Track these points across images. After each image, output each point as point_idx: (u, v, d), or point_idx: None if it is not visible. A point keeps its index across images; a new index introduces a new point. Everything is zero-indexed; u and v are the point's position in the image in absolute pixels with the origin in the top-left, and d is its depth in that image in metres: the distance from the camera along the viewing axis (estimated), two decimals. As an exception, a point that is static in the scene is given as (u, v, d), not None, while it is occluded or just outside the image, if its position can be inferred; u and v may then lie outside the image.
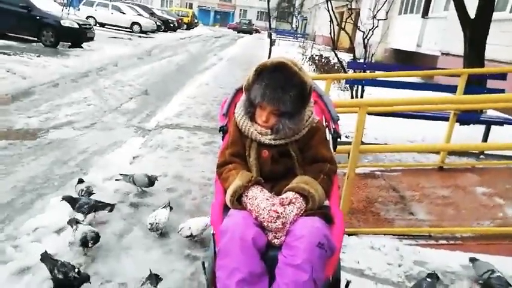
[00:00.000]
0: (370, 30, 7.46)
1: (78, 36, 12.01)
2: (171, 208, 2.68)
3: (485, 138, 4.60)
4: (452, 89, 4.38)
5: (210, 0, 59.69)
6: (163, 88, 8.26)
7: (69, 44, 11.92)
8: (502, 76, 4.79)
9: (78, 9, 20.80)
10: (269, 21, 15.36)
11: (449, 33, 9.49)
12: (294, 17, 45.06)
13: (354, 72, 6.72)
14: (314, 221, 1.53)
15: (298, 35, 32.09)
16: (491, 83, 5.16)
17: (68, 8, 14.25)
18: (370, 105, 2.91)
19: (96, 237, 2.30)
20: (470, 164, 4.31)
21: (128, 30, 21.38)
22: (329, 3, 8.03)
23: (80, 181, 2.96)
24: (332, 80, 5.63)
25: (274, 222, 1.52)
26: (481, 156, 4.53)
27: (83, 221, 2.56)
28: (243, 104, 1.77)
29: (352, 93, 6.76)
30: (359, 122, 2.59)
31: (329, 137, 1.86)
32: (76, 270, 1.97)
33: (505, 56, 7.60)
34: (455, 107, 3.75)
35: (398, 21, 15.08)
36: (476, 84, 5.15)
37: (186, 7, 51.10)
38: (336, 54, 8.11)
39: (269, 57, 9.84)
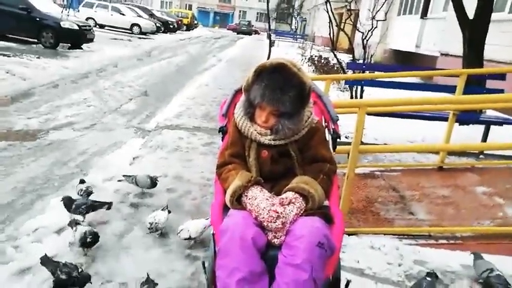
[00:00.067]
0: (369, 31, 7.48)
1: (78, 38, 12.03)
2: (169, 211, 2.68)
3: (484, 138, 4.61)
4: (451, 89, 4.39)
5: (209, 1, 59.77)
6: (163, 89, 8.27)
7: (69, 45, 11.93)
8: (501, 76, 4.81)
9: (78, 11, 20.84)
10: (268, 23, 15.37)
11: (448, 33, 9.51)
12: (294, 18, 45.15)
13: (353, 72, 6.73)
14: (314, 220, 1.53)
15: (298, 36, 32.15)
16: (490, 83, 5.17)
17: (67, 9, 14.28)
18: (369, 105, 2.92)
19: (96, 237, 2.31)
20: (470, 163, 4.32)
21: (128, 31, 21.38)
22: (328, 4, 8.05)
23: (82, 181, 2.97)
24: (331, 80, 5.64)
25: (274, 222, 1.53)
26: (481, 156, 4.54)
27: (83, 221, 2.57)
28: (243, 105, 1.78)
29: (351, 93, 6.77)
30: (358, 123, 2.59)
31: (328, 137, 1.87)
32: (79, 270, 1.99)
33: (504, 56, 7.61)
34: (455, 107, 3.76)
35: (397, 22, 15.11)
36: (475, 85, 5.17)
37: (186, 8, 51.21)
38: (335, 55, 8.13)
39: (268, 58, 9.86)
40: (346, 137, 4.63)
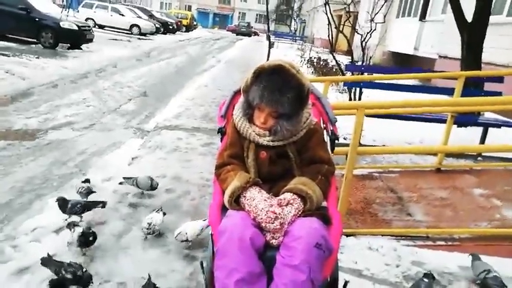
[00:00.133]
0: (368, 33, 7.50)
1: (77, 38, 12.02)
2: (164, 213, 2.68)
3: (482, 140, 4.63)
4: (449, 91, 4.41)
5: (209, 2, 59.82)
6: (162, 90, 8.27)
7: (68, 45, 11.92)
8: (499, 79, 4.83)
9: (78, 11, 20.83)
10: (268, 24, 15.40)
11: (447, 36, 9.54)
12: (293, 20, 45.19)
13: (352, 74, 6.76)
14: (312, 221, 1.54)
15: (297, 38, 32.19)
16: (488, 86, 5.20)
17: (67, 9, 14.27)
18: (367, 107, 2.93)
19: (94, 237, 2.31)
20: (467, 165, 4.34)
21: (127, 32, 21.38)
22: (327, 6, 8.07)
23: (86, 181, 3.00)
24: (330, 82, 5.65)
25: (272, 223, 1.53)
26: (479, 158, 4.55)
27: (80, 221, 2.57)
28: (241, 106, 1.79)
29: (350, 95, 6.79)
30: (357, 124, 2.61)
31: (327, 138, 1.88)
32: (84, 269, 2.00)
33: (502, 59, 7.64)
34: (453, 109, 3.78)
35: (396, 24, 15.14)
36: (473, 87, 5.19)
37: (185, 9, 51.21)
38: (334, 57, 8.14)
39: (268, 59, 9.87)
40: (344, 139, 4.64)
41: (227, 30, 47.94)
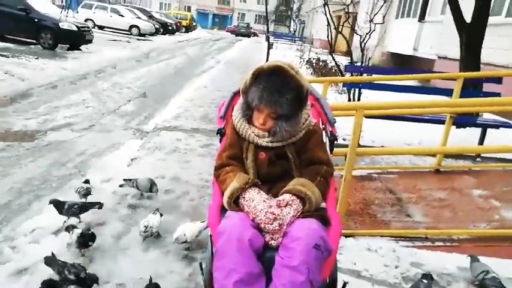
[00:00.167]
0: (367, 34, 7.51)
1: (77, 39, 12.02)
2: (161, 214, 2.68)
3: (481, 141, 4.63)
4: (448, 92, 4.41)
5: (208, 3, 59.84)
6: (161, 91, 8.27)
7: (68, 46, 11.92)
8: (498, 80, 4.84)
9: (77, 12, 20.82)
10: (267, 25, 15.42)
11: (446, 37, 9.55)
12: (292, 21, 45.22)
13: (351, 75, 6.76)
14: (311, 222, 1.54)
15: (296, 39, 32.20)
16: (487, 87, 5.20)
17: (66, 10, 14.26)
18: (366, 108, 2.93)
19: (93, 238, 2.32)
20: (466, 166, 4.35)
21: (127, 33, 21.38)
22: (326, 7, 8.08)
23: (86, 181, 3.01)
24: (329, 83, 5.64)
25: (271, 224, 1.53)
26: (478, 159, 4.56)
27: (79, 221, 2.57)
28: (241, 107, 1.79)
29: (349, 96, 6.79)
30: (356, 125, 2.61)
31: (326, 139, 1.88)
32: (87, 271, 2.00)
33: (501, 60, 7.65)
34: (452, 110, 3.78)
35: (395, 25, 15.16)
36: (472, 88, 5.20)
37: (185, 10, 51.22)
38: (333, 58, 8.15)
39: (267, 60, 9.89)
40: (343, 139, 4.65)
41: (226, 31, 47.97)
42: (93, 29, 14.34)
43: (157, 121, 5.66)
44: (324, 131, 1.91)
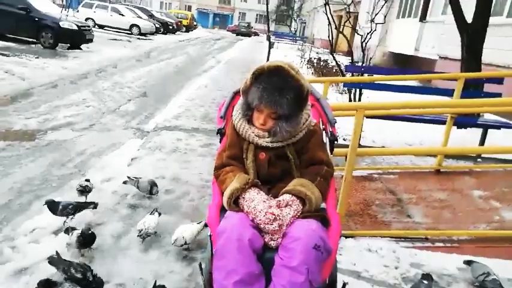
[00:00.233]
0: (368, 33, 7.50)
1: (77, 38, 12.04)
2: (159, 214, 2.67)
3: (482, 142, 4.62)
4: (449, 92, 4.40)
5: (209, 2, 59.83)
6: (161, 90, 8.27)
7: (68, 45, 11.92)
8: (499, 80, 4.83)
9: (77, 11, 20.84)
10: (268, 24, 15.44)
11: (447, 37, 9.54)
12: (293, 20, 45.20)
13: (352, 75, 6.75)
14: (310, 223, 1.54)
15: (297, 38, 32.18)
16: (488, 87, 5.19)
17: (66, 9, 14.28)
18: (367, 108, 2.93)
19: (92, 238, 2.32)
20: (467, 167, 4.34)
21: (127, 32, 21.39)
22: (327, 6, 8.07)
23: (87, 181, 3.01)
24: (330, 83, 5.65)
25: (271, 224, 1.53)
26: (478, 160, 4.55)
27: (72, 218, 2.58)
28: (241, 107, 1.78)
29: (350, 96, 6.78)
30: (356, 125, 2.60)
31: (326, 140, 1.88)
32: (94, 272, 2.01)
33: (502, 60, 7.64)
34: (453, 110, 3.78)
35: (397, 24, 15.15)
36: (473, 88, 5.19)
37: (185, 9, 51.23)
38: (334, 58, 8.14)
39: (268, 60, 9.88)
40: (344, 140, 4.65)
41: (227, 31, 47.97)
42: (93, 28, 14.33)
43: (158, 121, 5.66)
44: (324, 131, 1.90)
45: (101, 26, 21.18)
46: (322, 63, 11.55)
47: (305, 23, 43.28)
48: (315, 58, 12.69)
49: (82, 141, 4.57)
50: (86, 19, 18.78)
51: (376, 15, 7.81)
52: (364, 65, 7.11)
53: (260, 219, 1.54)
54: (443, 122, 4.08)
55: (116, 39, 17.21)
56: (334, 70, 9.96)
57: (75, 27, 11.76)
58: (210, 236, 1.61)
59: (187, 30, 33.26)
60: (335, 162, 1.82)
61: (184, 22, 33.76)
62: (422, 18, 13.08)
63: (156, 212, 2.66)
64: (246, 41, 30.96)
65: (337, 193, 1.95)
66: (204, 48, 20.67)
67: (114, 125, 5.40)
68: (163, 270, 2.28)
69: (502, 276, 2.25)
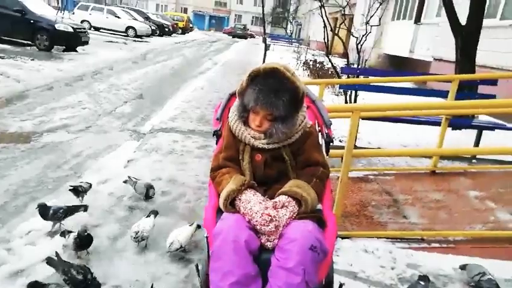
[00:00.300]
0: (363, 35, 7.54)
1: (73, 40, 11.99)
2: (155, 214, 2.64)
3: (477, 143, 4.66)
4: (444, 94, 4.44)
5: (205, 5, 59.85)
6: (158, 92, 8.26)
7: (64, 47, 11.88)
8: (493, 82, 4.87)
9: (73, 13, 20.78)
10: (264, 26, 15.47)
11: (442, 39, 9.61)
12: (289, 23, 45.31)
13: (348, 77, 6.78)
14: (307, 224, 1.54)
15: (293, 40, 32.25)
16: (482, 89, 5.23)
17: (62, 11, 14.25)
18: (362, 110, 2.95)
19: (89, 239, 2.31)
20: (462, 168, 4.37)
21: (123, 34, 21.34)
22: (323, 9, 8.11)
23: (87, 183, 3.03)
24: (325, 84, 5.67)
25: (267, 226, 1.54)
26: (473, 161, 4.58)
27: (61, 225, 2.57)
28: (237, 109, 1.79)
29: (346, 98, 6.81)
30: (352, 127, 2.62)
31: (322, 141, 1.89)
32: (93, 275, 2.00)
33: (496, 62, 7.70)
34: (447, 112, 3.81)
35: (392, 27, 15.24)
36: (467, 90, 5.23)
37: (181, 12, 51.22)
38: (329, 60, 8.18)
39: (264, 62, 9.90)
40: (340, 141, 4.67)
41: (223, 33, 47.99)
42: (89, 31, 14.30)
43: (154, 122, 5.65)
44: (320, 133, 1.91)
45: (97, 28, 21.14)
46: (318, 65, 11.60)
47: (301, 25, 43.40)
48: (310, 60, 12.73)
49: (78, 143, 4.56)
50: (82, 21, 18.72)
51: (371, 17, 7.86)
52: (359, 67, 7.15)
53: (256, 221, 1.54)
54: (438, 124, 4.11)
55: (111, 42, 17.17)
56: (329, 72, 9.99)
57: (71, 30, 11.72)
58: (207, 237, 1.61)
59: (183, 33, 33.23)
60: (331, 164, 1.82)
61: (181, 24, 33.73)
62: (417, 20, 13.17)
63: (152, 214, 2.63)
64: (242, 43, 30.99)
65: (333, 194, 1.96)
66: (200, 50, 20.67)
67: (110, 127, 5.39)
68: (160, 272, 2.28)
69: (497, 277, 2.26)
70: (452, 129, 5.22)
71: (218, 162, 1.78)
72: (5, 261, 2.26)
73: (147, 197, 3.11)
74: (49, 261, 2.06)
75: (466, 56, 6.07)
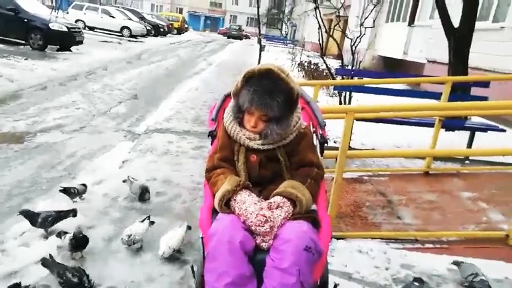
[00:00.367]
0: (357, 37, 7.58)
1: (67, 40, 11.92)
2: (152, 223, 2.62)
3: (469, 144, 4.70)
4: (437, 95, 4.48)
5: (200, 5, 59.75)
6: (152, 92, 8.24)
7: (58, 47, 11.80)
8: (485, 84, 4.92)
9: (67, 13, 20.65)
10: (259, 27, 15.48)
11: (435, 41, 9.69)
12: (284, 24, 45.39)
13: (342, 78, 6.81)
14: (301, 224, 1.55)
15: (288, 41, 32.32)
16: (475, 91, 5.29)
17: (56, 11, 14.16)
18: (357, 111, 2.97)
19: (85, 241, 2.30)
20: (455, 169, 4.40)
21: (118, 34, 21.26)
22: (318, 10, 8.14)
23: (83, 185, 3.03)
24: (320, 86, 5.70)
25: (262, 226, 1.54)
26: (466, 162, 4.62)
27: (48, 233, 2.54)
28: (232, 110, 1.79)
29: (340, 99, 6.84)
30: (346, 128, 2.63)
31: (316, 142, 1.90)
32: (89, 277, 2.00)
33: (488, 64, 7.78)
34: (441, 113, 3.84)
35: (386, 29, 15.33)
36: (460, 92, 5.28)
37: (177, 12, 51.11)
38: (324, 61, 8.21)
39: (259, 63, 9.91)
40: (334, 142, 4.69)
41: (218, 33, 47.93)
42: (83, 30, 14.21)
43: (149, 123, 5.64)
44: (314, 134, 1.93)
45: (91, 28, 21.04)
46: (312, 66, 11.62)
47: (296, 26, 43.49)
48: (305, 61, 12.76)
49: (72, 143, 4.53)
50: (76, 21, 18.62)
51: (365, 19, 7.90)
52: (353, 68, 7.20)
53: (251, 221, 1.55)
54: (431, 125, 4.14)
55: (106, 41, 17.09)
56: (324, 73, 10.02)
57: (65, 29, 11.65)
58: (202, 238, 1.61)
59: (178, 33, 33.16)
60: (325, 165, 1.83)
61: (176, 24, 33.66)
62: (411, 22, 13.27)
63: (147, 220, 2.61)
64: (237, 43, 30.99)
65: (327, 195, 1.97)
66: (195, 50, 20.64)
67: (105, 127, 5.37)
68: (155, 273, 2.28)
69: (490, 277, 2.29)
70: (446, 131, 5.27)
71: (213, 163, 1.79)
72: (-1, 263, 2.25)
73: (141, 198, 3.11)
74: (44, 262, 2.04)
75: (459, 58, 6.12)
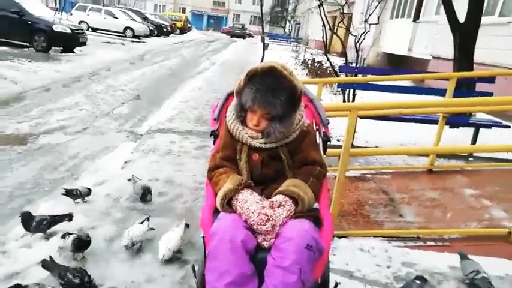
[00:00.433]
0: (362, 34, 7.53)
1: (70, 41, 11.97)
2: (151, 229, 2.61)
3: (474, 141, 4.65)
4: (442, 92, 4.43)
5: (203, 4, 59.78)
6: (155, 93, 8.25)
7: (61, 49, 11.86)
8: (491, 79, 4.87)
9: (71, 14, 20.74)
10: (262, 26, 15.45)
11: (440, 37, 9.61)
12: (287, 22, 45.30)
13: (346, 76, 6.77)
14: (303, 223, 1.54)
15: (291, 39, 32.24)
16: (480, 86, 5.24)
17: (60, 12, 14.22)
18: (360, 109, 2.93)
19: (88, 241, 2.31)
20: (459, 166, 4.37)
21: (121, 35, 21.33)
22: (321, 7, 8.09)
23: (88, 189, 3.04)
24: (323, 83, 5.67)
25: (264, 225, 1.53)
26: (470, 159, 4.58)
27: (45, 237, 2.54)
28: (234, 108, 1.79)
29: (344, 97, 6.81)
30: (349, 126, 2.61)
31: (319, 140, 1.88)
32: (91, 277, 2.00)
33: (494, 59, 7.71)
34: (445, 110, 3.80)
35: (390, 25, 15.23)
36: (465, 88, 5.23)
37: (180, 12, 51.17)
38: (328, 58, 8.17)
39: (262, 61, 9.89)
40: (337, 140, 4.67)
41: (221, 32, 47.93)
42: (87, 31, 14.26)
43: (151, 123, 5.64)
44: (317, 132, 1.91)
45: (95, 29, 21.12)
46: (316, 64, 11.59)
47: (299, 24, 43.38)
48: (309, 59, 12.73)
49: (75, 144, 4.55)
50: (80, 22, 18.71)
51: (369, 15, 7.84)
52: (357, 65, 7.14)
53: (253, 220, 1.54)
54: (435, 122, 4.10)
55: (109, 42, 17.15)
56: (328, 71, 9.99)
57: (69, 31, 11.70)
58: (203, 237, 1.60)
59: (181, 33, 33.20)
60: (328, 163, 1.82)
61: (179, 24, 33.70)
62: (416, 18, 13.16)
63: (147, 221, 2.59)
64: (240, 42, 30.97)
65: (330, 193, 1.96)
66: (198, 50, 20.65)
67: (108, 128, 5.38)
68: (156, 274, 2.28)
69: (492, 274, 2.27)
70: (450, 127, 5.23)
71: (215, 162, 1.78)
72: (0, 264, 2.25)
73: (143, 198, 3.11)
74: (44, 264, 2.05)
75: (464, 54, 6.07)
